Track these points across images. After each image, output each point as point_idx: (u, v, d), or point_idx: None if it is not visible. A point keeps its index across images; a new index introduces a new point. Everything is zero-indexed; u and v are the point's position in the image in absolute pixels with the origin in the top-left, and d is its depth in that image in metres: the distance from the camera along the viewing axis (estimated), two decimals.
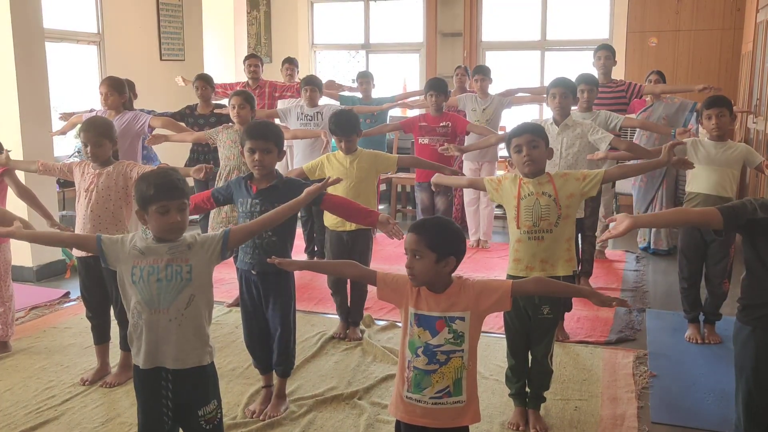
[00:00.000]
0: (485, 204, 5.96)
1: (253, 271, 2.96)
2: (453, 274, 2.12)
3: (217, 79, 5.99)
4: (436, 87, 5.10)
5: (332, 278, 3.97)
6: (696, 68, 7.27)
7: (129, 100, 4.82)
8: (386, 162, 3.93)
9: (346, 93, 6.52)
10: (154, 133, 4.64)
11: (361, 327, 4.05)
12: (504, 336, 2.98)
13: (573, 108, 4.19)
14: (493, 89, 5.86)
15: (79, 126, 4.35)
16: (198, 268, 2.16)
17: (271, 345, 3.03)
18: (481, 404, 2.24)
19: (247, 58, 6.29)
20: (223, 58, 7.87)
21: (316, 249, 5.49)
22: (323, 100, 5.68)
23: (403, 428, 2.16)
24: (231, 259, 2.94)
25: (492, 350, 3.70)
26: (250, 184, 2.94)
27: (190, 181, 3.29)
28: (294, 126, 5.31)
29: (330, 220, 3.82)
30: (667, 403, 3.18)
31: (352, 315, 4.00)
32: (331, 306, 4.18)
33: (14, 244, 3.80)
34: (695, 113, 5.28)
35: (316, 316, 4.35)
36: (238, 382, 3.38)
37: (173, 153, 6.04)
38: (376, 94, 6.42)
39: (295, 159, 5.52)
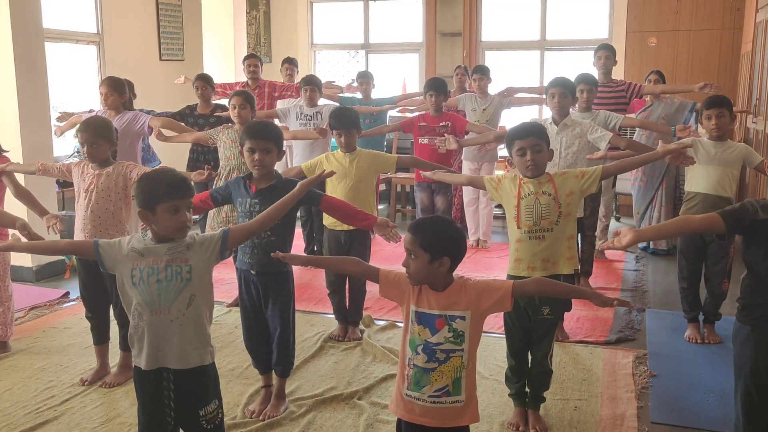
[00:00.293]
0: (485, 204, 5.97)
1: (252, 271, 2.96)
2: (454, 274, 2.12)
3: (217, 79, 5.98)
4: (436, 87, 5.11)
5: (331, 278, 3.97)
6: (695, 68, 7.26)
7: (129, 100, 4.82)
8: (385, 162, 3.93)
9: (345, 94, 6.52)
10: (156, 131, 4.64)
11: (361, 327, 4.05)
12: (504, 336, 2.98)
13: (572, 108, 4.19)
14: (493, 89, 5.87)
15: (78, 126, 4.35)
16: (198, 268, 2.16)
17: (271, 345, 3.03)
18: (480, 404, 2.24)
19: (246, 58, 6.29)
20: (223, 58, 7.88)
21: (315, 249, 5.50)
22: (323, 101, 5.68)
23: (404, 427, 2.16)
24: (230, 259, 2.94)
25: (492, 350, 3.70)
26: (250, 184, 2.94)
27: None
28: (293, 126, 5.31)
29: (328, 219, 3.82)
30: (666, 403, 3.18)
31: (351, 314, 4.00)
32: (330, 306, 4.18)
33: None
34: (695, 113, 5.29)
35: (315, 316, 4.35)
36: (237, 382, 3.38)
37: (173, 153, 6.03)
38: (375, 94, 6.42)
39: (294, 159, 5.53)
